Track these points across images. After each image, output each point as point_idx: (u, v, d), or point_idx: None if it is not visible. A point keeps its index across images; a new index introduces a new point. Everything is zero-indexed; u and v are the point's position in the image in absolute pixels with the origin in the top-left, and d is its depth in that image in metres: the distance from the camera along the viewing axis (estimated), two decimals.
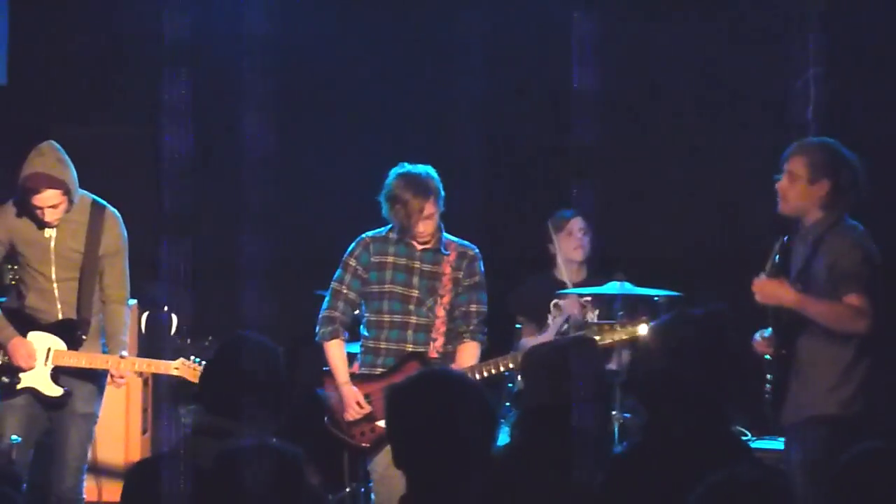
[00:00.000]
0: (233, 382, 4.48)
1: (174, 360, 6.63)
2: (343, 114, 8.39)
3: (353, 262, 6.63)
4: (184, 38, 7.74)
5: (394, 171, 6.56)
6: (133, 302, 7.01)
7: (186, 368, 6.35)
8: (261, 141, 7.90)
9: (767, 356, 5.94)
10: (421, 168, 6.56)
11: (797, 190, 5.84)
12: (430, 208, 6.48)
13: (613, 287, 6.92)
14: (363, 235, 6.67)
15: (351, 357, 6.76)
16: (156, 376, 7.57)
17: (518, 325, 7.48)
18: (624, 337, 6.64)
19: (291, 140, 8.23)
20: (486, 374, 6.51)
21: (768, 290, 5.84)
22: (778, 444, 6.32)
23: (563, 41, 7.66)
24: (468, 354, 6.57)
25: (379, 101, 8.28)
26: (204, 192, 8.07)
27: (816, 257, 5.83)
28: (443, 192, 6.55)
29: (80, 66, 8.58)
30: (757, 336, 5.95)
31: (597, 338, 6.47)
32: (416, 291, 6.59)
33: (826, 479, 3.81)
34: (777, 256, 5.97)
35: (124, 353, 6.63)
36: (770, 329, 5.90)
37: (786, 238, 5.98)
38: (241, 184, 8.05)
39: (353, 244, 6.66)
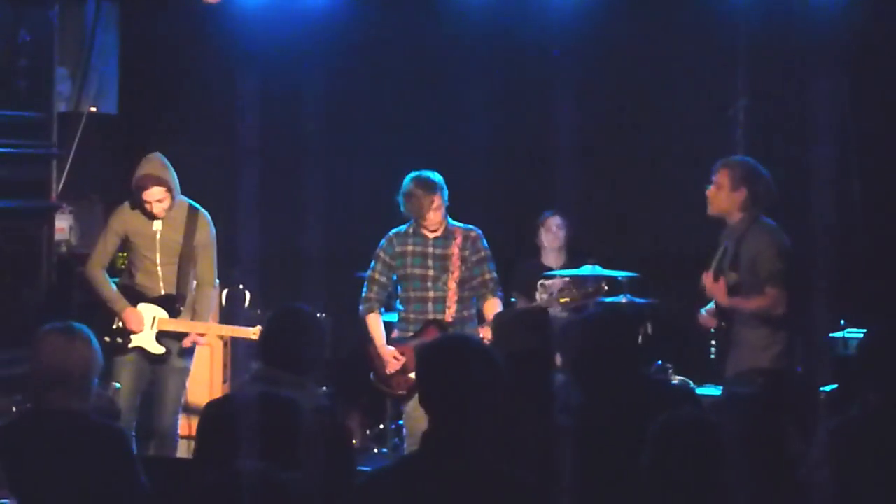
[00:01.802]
0: (285, 341, 4.84)
1: (251, 327, 7.09)
2: (379, 135, 8.90)
3: (382, 254, 7.29)
4: (253, 75, 8.54)
5: (408, 177, 7.19)
6: (217, 282, 7.37)
7: None
8: (313, 159, 8.70)
9: (713, 329, 6.62)
10: (428, 172, 7.19)
11: (722, 196, 6.47)
12: (437, 201, 7.11)
13: (587, 269, 7.60)
14: (389, 233, 7.29)
15: (391, 325, 7.39)
16: (234, 339, 8.07)
17: (513, 300, 8.07)
18: (577, 296, 7.35)
19: (337, 155, 8.99)
20: None
21: (710, 287, 6.45)
22: (715, 389, 7.01)
23: (552, 75, 8.46)
24: (492, 308, 7.15)
25: (408, 125, 8.80)
26: (270, 197, 8.66)
27: (741, 250, 6.40)
28: (446, 190, 7.16)
29: (174, 98, 9.15)
30: (702, 311, 6.62)
31: (566, 299, 7.31)
32: (432, 271, 7.19)
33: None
34: (719, 259, 6.51)
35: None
36: (710, 305, 6.54)
37: (727, 244, 6.51)
38: (300, 192, 8.80)
39: (382, 240, 7.29)
